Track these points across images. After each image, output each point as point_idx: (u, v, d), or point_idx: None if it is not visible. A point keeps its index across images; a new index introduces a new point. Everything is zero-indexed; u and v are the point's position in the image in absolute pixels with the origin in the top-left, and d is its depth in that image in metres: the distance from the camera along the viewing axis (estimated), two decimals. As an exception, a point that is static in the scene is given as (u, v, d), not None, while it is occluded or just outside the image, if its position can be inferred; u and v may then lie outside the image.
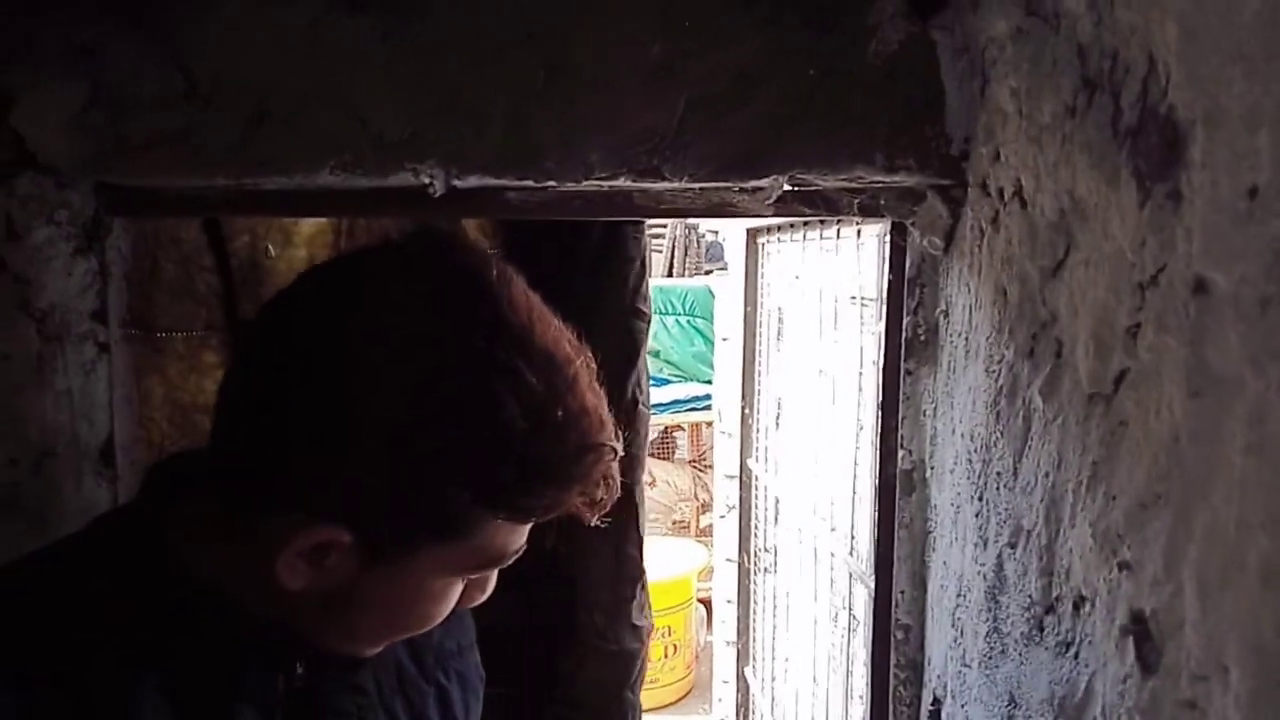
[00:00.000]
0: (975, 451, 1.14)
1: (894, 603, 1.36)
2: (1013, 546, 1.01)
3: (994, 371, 1.10)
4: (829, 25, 1.19)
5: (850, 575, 1.74)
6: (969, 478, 1.17)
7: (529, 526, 0.77)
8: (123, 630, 0.73)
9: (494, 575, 0.82)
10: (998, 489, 1.07)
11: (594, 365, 0.74)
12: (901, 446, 1.38)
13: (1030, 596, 0.95)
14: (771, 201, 1.31)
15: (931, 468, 1.33)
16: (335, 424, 0.68)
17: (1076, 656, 0.84)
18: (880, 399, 1.40)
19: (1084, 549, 0.85)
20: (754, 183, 1.26)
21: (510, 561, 0.77)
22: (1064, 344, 0.94)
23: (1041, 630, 0.92)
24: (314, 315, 0.71)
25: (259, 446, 0.71)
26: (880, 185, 1.28)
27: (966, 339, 1.21)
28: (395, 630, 0.80)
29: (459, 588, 0.79)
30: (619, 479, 0.75)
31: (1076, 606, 0.85)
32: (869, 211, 1.31)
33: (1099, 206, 0.86)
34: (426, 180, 1.28)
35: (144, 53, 1.25)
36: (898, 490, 1.38)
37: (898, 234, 1.35)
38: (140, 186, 1.31)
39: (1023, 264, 1.04)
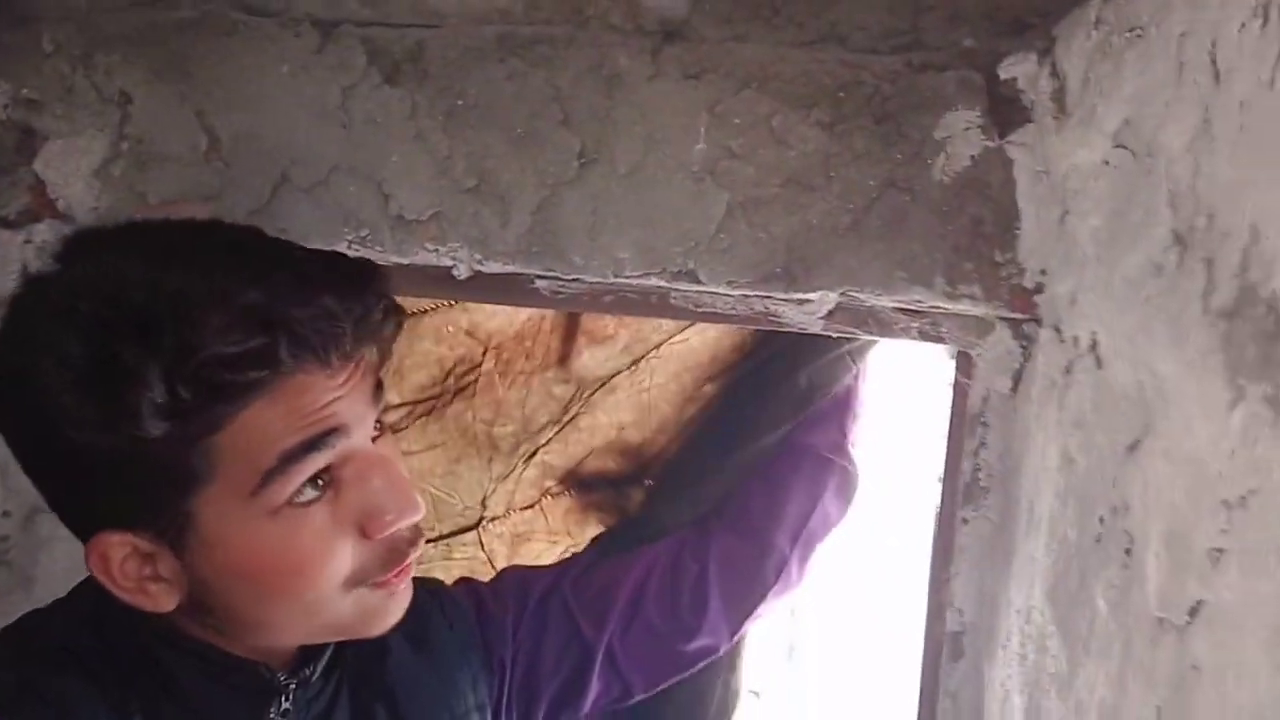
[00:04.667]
0: (1029, 637, 0.98)
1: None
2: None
3: (1054, 550, 0.94)
4: (894, 134, 1.05)
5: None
6: (1020, 664, 1.01)
7: (302, 409, 0.68)
8: (104, 685, 0.72)
9: (377, 475, 0.71)
10: (1049, 692, 0.91)
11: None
12: (952, 605, 1.21)
13: None
14: (821, 315, 1.17)
15: (983, 636, 1.17)
16: (19, 453, 0.72)
17: None
18: (933, 546, 1.24)
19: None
20: (798, 295, 1.12)
21: (312, 455, 0.69)
22: (1135, 542, 0.78)
23: None
24: None
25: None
26: (942, 311, 1.13)
27: (1031, 503, 1.05)
28: (288, 590, 0.71)
29: (311, 514, 0.70)
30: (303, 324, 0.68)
31: None
32: (929, 338, 1.16)
33: (1181, 393, 0.71)
34: (449, 262, 1.18)
35: (170, 108, 1.20)
36: (945, 653, 1.22)
37: (962, 363, 1.20)
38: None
39: (1094, 433, 0.88)
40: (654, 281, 1.15)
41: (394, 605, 0.76)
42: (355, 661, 0.85)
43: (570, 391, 1.45)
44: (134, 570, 0.70)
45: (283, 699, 0.77)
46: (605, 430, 1.47)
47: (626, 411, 1.47)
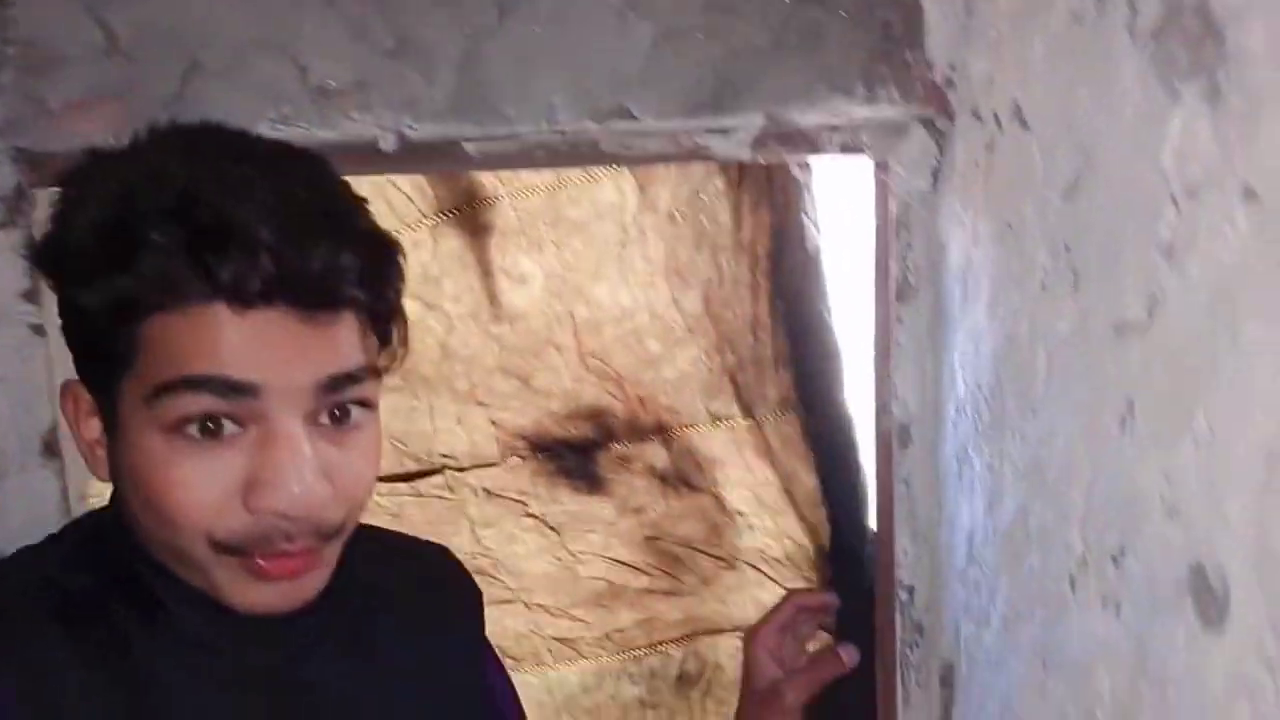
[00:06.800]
0: (984, 400, 1.07)
1: (896, 564, 1.29)
2: (1033, 499, 0.94)
3: (1000, 313, 1.02)
4: (804, -53, 1.10)
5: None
6: (977, 428, 1.10)
7: (215, 343, 0.66)
8: (83, 629, 0.71)
9: (277, 450, 0.67)
10: (1013, 437, 1.00)
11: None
12: (896, 398, 1.30)
13: (1058, 552, 0.88)
14: (749, 143, 1.22)
15: (930, 419, 1.26)
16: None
17: (1121, 618, 0.77)
18: (874, 348, 1.32)
19: (1121, 497, 0.78)
20: (729, 120, 1.17)
21: (199, 395, 0.66)
22: (1081, 274, 0.87)
23: (1074, 588, 0.85)
24: None
25: None
26: (861, 121, 1.20)
27: (965, 282, 1.13)
28: (160, 516, 0.69)
29: (197, 451, 0.66)
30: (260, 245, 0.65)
31: (1118, 564, 0.78)
32: (851, 149, 1.23)
33: (1117, 118, 0.78)
34: (376, 132, 1.18)
35: (55, 6, 1.14)
36: (894, 445, 1.31)
37: (881, 172, 1.27)
38: (68, 153, 1.20)
39: (1028, 193, 0.96)
40: (587, 125, 1.17)
41: (265, 591, 0.71)
42: (343, 608, 0.80)
43: (509, 336, 1.48)
44: (91, 432, 0.72)
45: (252, 629, 0.74)
46: (560, 395, 1.51)
47: (576, 372, 1.51)
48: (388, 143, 1.19)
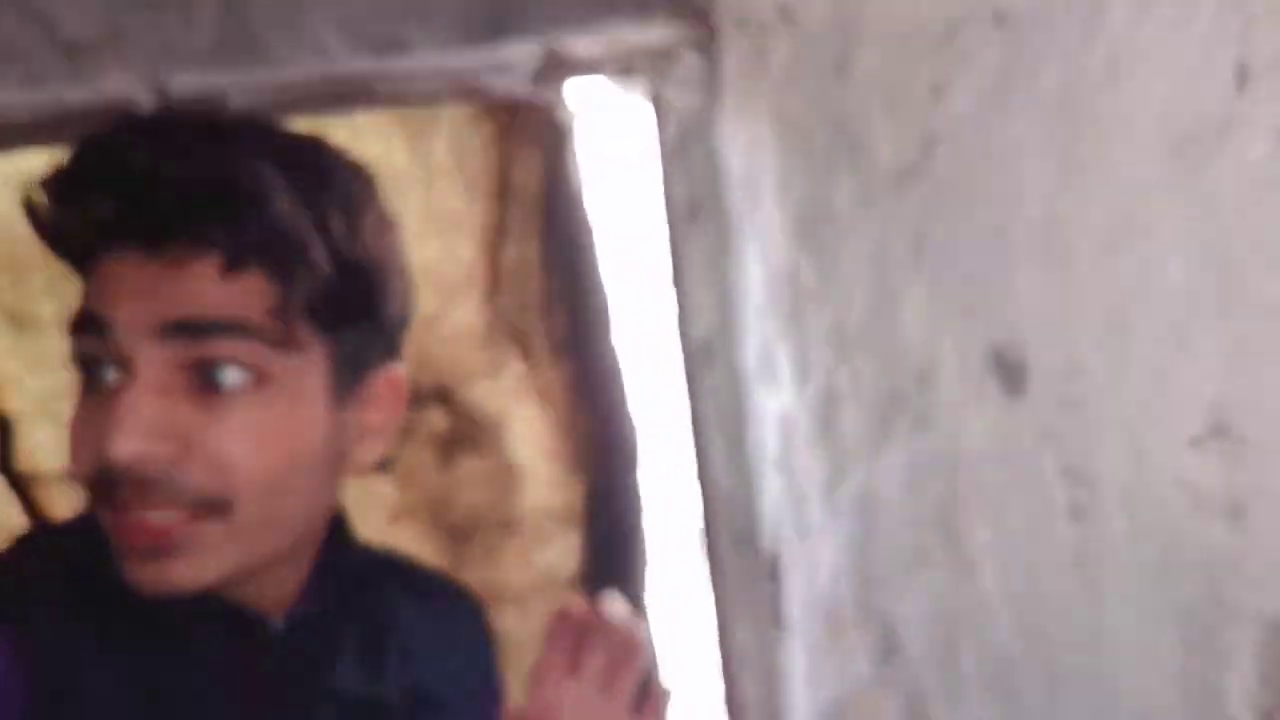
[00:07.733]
0: (782, 284, 1.13)
1: (712, 466, 1.34)
2: (840, 363, 1.00)
3: (789, 197, 1.09)
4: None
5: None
6: (778, 315, 1.16)
7: (95, 285, 0.63)
8: (82, 599, 0.67)
9: (120, 393, 0.62)
10: (814, 312, 1.07)
11: None
12: (695, 317, 1.35)
13: (868, 399, 0.95)
14: (528, 77, 1.24)
15: (731, 328, 1.32)
16: None
17: (933, 426, 0.84)
18: (671, 272, 1.37)
19: (922, 323, 0.85)
20: (506, 49, 1.18)
21: (78, 335, 0.63)
22: (859, 140, 0.94)
23: (888, 426, 0.91)
24: None
25: None
26: (636, 47, 1.24)
27: (752, 182, 1.19)
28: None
29: (85, 392, 0.64)
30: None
31: (925, 379, 0.84)
32: (626, 77, 1.27)
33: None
34: (131, 89, 1.11)
35: None
36: (699, 359, 1.36)
37: (659, 99, 1.32)
38: None
39: (800, 84, 1.03)
40: (363, 61, 1.15)
41: (134, 568, 0.65)
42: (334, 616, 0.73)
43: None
44: None
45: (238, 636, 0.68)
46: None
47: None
48: (145, 99, 1.13)
